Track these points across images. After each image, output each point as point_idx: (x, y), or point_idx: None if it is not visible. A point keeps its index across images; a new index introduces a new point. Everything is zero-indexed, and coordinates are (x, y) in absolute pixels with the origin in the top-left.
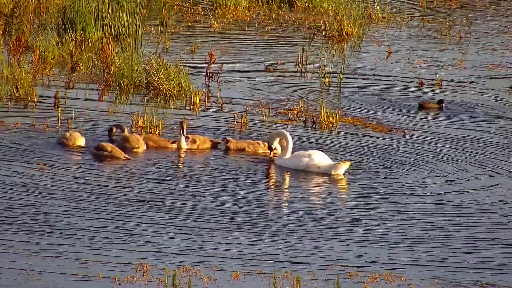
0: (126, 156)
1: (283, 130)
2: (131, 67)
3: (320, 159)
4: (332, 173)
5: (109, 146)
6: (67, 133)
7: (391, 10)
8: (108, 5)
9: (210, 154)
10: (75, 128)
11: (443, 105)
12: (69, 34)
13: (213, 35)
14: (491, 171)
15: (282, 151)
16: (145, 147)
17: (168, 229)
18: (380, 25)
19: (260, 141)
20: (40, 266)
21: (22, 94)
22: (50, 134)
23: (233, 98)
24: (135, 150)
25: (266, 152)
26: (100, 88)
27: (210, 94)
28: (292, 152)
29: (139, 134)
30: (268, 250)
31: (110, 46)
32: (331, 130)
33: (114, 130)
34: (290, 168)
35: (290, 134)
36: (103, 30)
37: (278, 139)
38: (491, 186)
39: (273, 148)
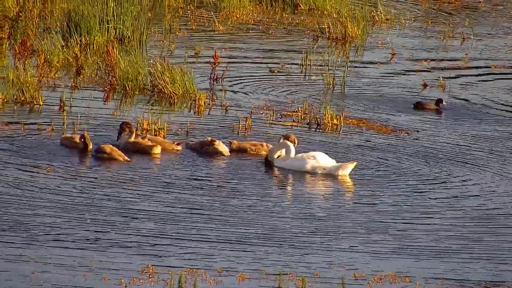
0: (126, 158)
1: (286, 142)
2: (136, 70)
3: (325, 160)
4: (339, 173)
5: (108, 148)
6: (75, 135)
7: (394, 12)
8: (112, 8)
9: (212, 156)
10: (80, 131)
11: (442, 105)
12: (74, 38)
13: (217, 37)
14: (498, 173)
15: (284, 155)
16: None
17: (173, 231)
18: (384, 27)
19: (263, 142)
20: (45, 269)
21: (28, 98)
22: (55, 137)
23: (238, 100)
24: (154, 149)
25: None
26: (105, 91)
27: (214, 97)
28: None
29: (143, 137)
30: (273, 251)
31: (115, 49)
32: (335, 132)
33: (127, 130)
34: (293, 170)
35: (295, 136)
36: (108, 34)
37: (279, 151)
38: (497, 187)
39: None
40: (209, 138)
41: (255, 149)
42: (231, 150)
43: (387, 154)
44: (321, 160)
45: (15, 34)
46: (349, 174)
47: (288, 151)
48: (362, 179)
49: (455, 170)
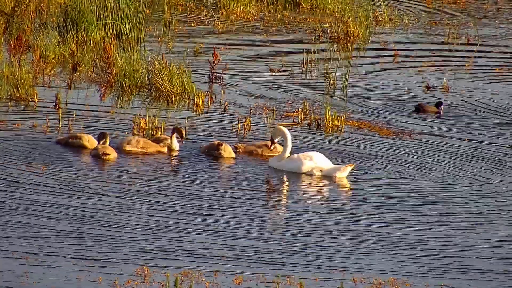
0: (106, 151)
1: (285, 130)
2: (133, 68)
3: (323, 161)
4: (337, 175)
5: (99, 146)
6: (84, 135)
7: (398, 11)
8: (110, 4)
9: (213, 157)
10: (77, 129)
11: (442, 107)
12: (71, 34)
13: (217, 35)
14: (497, 174)
15: (281, 152)
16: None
17: (170, 233)
18: (387, 27)
19: (268, 142)
20: (39, 269)
21: (23, 94)
22: (50, 135)
23: (237, 100)
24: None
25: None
26: (101, 88)
27: (213, 96)
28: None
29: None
30: (270, 255)
31: (112, 46)
32: (336, 133)
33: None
34: (289, 171)
35: (292, 136)
36: (105, 30)
37: (279, 137)
38: (499, 189)
39: (275, 141)
40: (217, 142)
41: (261, 151)
42: (237, 154)
43: (388, 156)
44: (318, 161)
45: (11, 29)
46: (347, 177)
47: (286, 140)
48: (360, 182)
49: (454, 170)
